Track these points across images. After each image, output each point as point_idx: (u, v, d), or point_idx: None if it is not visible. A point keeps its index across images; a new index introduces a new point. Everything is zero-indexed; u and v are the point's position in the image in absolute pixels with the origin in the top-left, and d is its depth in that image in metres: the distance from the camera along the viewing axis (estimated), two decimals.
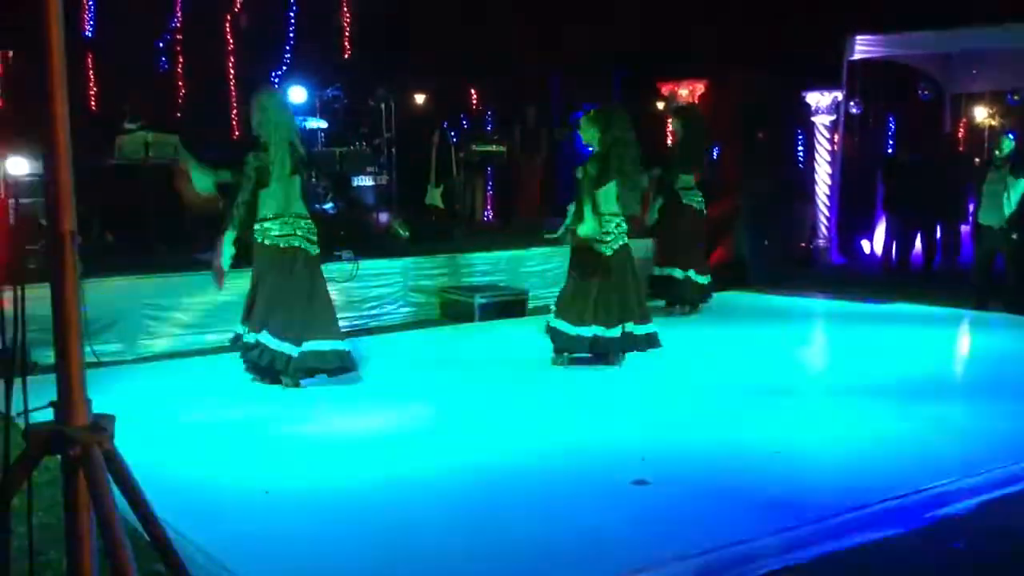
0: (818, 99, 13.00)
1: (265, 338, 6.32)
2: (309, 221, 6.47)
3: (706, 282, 9.35)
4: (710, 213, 9.55)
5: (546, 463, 4.95)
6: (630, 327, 6.98)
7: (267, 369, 6.44)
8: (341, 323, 8.63)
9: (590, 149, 7.13)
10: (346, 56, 14.50)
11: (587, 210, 6.83)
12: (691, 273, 9.21)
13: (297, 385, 6.44)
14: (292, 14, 14.23)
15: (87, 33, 13.60)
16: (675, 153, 9.50)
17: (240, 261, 6.38)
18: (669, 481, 4.56)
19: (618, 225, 6.99)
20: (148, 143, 9.46)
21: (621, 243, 7.02)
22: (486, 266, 9.95)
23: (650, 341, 7.10)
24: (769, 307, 9.87)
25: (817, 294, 10.53)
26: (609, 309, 6.95)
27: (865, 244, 13.58)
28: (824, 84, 12.93)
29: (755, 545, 3.80)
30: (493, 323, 8.98)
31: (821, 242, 13.22)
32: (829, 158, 13.12)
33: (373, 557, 3.82)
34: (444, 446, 5.24)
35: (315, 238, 6.46)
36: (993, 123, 14.39)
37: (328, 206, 10.78)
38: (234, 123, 13.55)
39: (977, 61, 13.53)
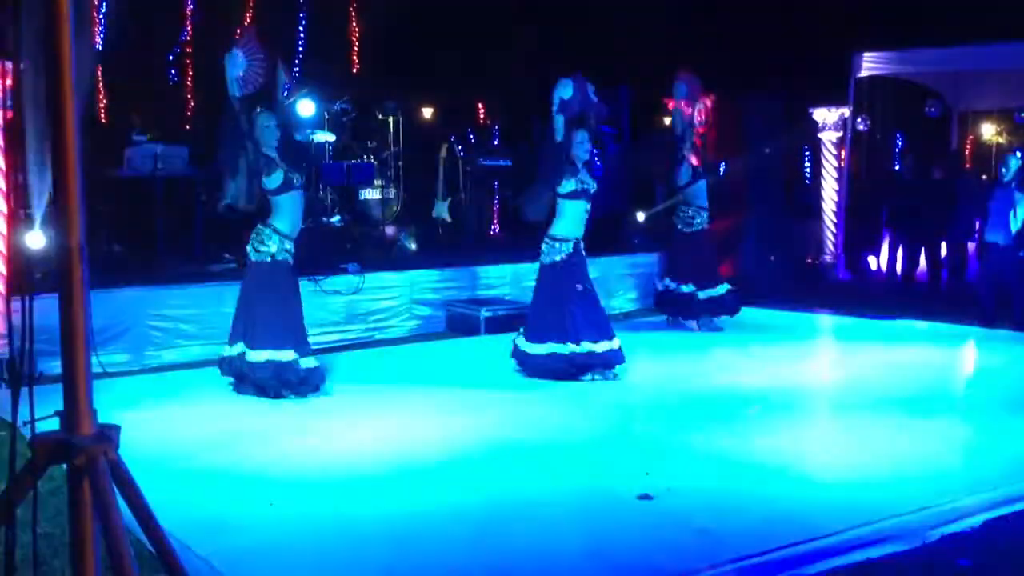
0: (825, 116, 12.99)
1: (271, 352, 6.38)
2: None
3: (716, 296, 9.30)
4: (717, 229, 9.54)
5: (551, 478, 4.94)
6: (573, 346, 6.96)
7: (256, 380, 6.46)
8: (348, 335, 8.71)
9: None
10: (354, 70, 14.55)
11: None
12: (693, 287, 9.20)
13: (298, 396, 6.47)
14: (301, 28, 14.30)
15: (97, 46, 13.66)
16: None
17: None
18: (674, 496, 4.55)
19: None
20: (157, 155, 9.50)
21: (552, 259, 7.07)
22: (492, 279, 9.95)
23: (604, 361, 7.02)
24: (775, 323, 9.85)
25: (823, 310, 10.51)
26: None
27: (872, 260, 13.54)
28: (831, 101, 12.92)
29: (760, 561, 3.79)
30: (499, 336, 8.97)
31: (827, 258, 13.19)
32: (836, 174, 13.10)
33: (376, 570, 3.81)
34: (448, 460, 5.23)
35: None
36: (1000, 140, 14.39)
37: (335, 219, 10.81)
38: None
39: (985, 79, 13.52)
